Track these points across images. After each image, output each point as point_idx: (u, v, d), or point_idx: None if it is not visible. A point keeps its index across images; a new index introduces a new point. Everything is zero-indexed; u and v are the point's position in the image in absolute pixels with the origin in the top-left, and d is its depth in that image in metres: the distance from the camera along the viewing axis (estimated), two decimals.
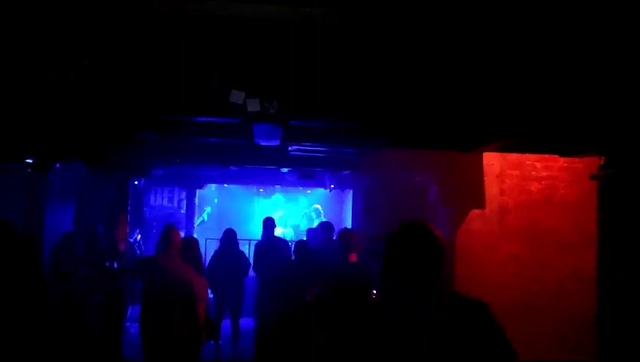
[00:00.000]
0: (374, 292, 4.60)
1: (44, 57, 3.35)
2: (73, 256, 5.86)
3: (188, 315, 4.81)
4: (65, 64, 3.33)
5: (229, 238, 7.35)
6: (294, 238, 13.30)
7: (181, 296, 4.79)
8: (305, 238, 7.10)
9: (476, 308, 2.02)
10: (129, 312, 7.55)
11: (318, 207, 13.28)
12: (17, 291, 4.53)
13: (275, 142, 4.68)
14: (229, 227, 7.63)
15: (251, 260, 7.60)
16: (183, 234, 7.20)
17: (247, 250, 8.88)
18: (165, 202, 12.08)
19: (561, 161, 6.04)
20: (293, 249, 6.45)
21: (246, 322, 8.01)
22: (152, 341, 4.81)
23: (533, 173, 6.26)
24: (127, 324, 7.34)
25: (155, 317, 4.79)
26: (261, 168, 7.91)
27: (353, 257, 4.66)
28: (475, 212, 6.16)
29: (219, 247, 7.48)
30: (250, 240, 9.66)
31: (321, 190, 12.27)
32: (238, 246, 7.51)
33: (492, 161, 6.18)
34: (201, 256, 5.54)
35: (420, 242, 1.92)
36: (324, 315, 4.45)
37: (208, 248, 9.65)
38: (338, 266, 4.75)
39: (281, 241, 7.92)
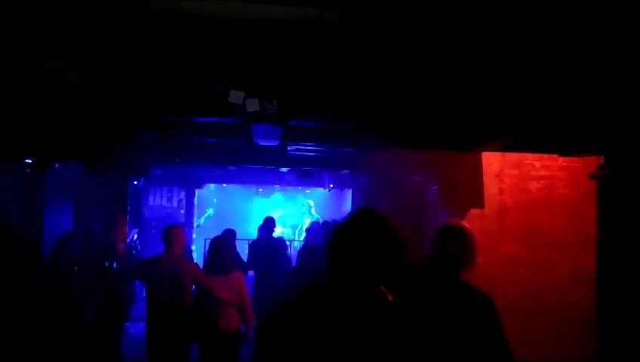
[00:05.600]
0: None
1: (42, 57, 3.33)
2: (70, 256, 5.86)
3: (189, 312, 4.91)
4: (63, 63, 3.32)
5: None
6: (293, 238, 13.35)
7: (183, 293, 4.87)
8: (305, 236, 7.07)
9: (481, 297, 2.01)
10: (130, 312, 7.54)
11: (310, 202, 13.94)
12: (16, 291, 4.52)
13: (274, 142, 4.68)
14: (228, 228, 7.63)
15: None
16: None
17: (246, 249, 8.87)
18: (164, 202, 12.06)
19: (560, 161, 6.03)
20: (297, 254, 6.41)
21: None
22: (157, 339, 4.88)
23: (532, 172, 6.25)
24: (127, 325, 7.32)
25: (161, 316, 4.86)
26: (260, 168, 7.91)
27: None
28: (474, 211, 6.15)
29: None
30: (249, 240, 9.65)
31: (320, 189, 12.31)
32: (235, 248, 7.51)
33: (491, 160, 6.17)
34: None
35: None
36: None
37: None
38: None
39: (279, 241, 7.95)
